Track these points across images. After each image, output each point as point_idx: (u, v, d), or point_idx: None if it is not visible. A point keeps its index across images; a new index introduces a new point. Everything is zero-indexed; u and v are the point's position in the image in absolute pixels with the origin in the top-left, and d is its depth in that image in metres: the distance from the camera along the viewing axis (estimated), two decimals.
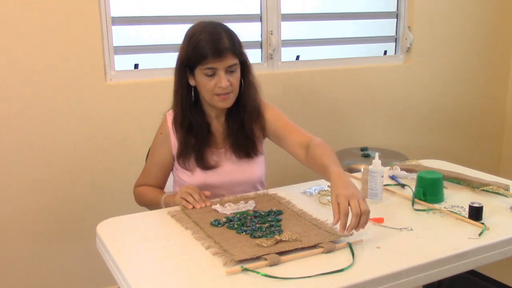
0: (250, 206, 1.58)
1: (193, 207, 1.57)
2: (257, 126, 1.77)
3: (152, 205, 1.75)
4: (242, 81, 1.70)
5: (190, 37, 1.63)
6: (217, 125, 1.76)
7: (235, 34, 1.66)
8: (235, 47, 1.62)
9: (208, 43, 1.59)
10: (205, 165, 1.72)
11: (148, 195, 1.78)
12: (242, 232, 1.39)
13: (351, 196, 1.31)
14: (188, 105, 1.70)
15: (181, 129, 1.72)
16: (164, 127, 1.77)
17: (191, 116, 1.71)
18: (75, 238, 2.44)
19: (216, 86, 1.61)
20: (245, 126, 1.73)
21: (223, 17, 2.63)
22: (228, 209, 1.55)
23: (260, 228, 1.41)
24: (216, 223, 1.45)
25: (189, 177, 1.73)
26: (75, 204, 2.43)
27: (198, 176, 1.72)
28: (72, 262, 2.47)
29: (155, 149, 1.80)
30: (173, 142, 1.75)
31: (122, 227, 1.50)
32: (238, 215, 1.51)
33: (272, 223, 1.45)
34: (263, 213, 1.52)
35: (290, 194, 1.69)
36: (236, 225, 1.43)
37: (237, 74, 1.65)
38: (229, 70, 1.62)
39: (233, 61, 1.62)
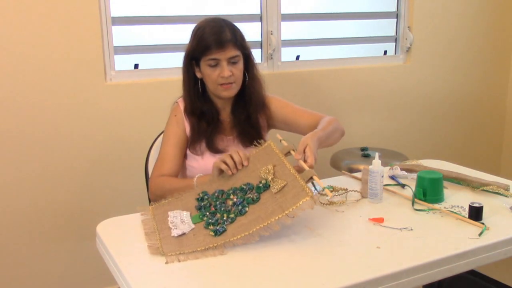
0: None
1: (229, 170, 1.54)
2: (263, 117, 1.86)
3: (178, 190, 1.65)
4: (247, 74, 1.79)
5: (196, 31, 1.74)
6: (225, 116, 1.84)
7: (238, 29, 1.75)
8: (237, 40, 1.71)
9: (211, 35, 1.68)
10: (215, 149, 1.78)
11: (174, 180, 1.72)
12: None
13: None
14: (196, 96, 1.79)
15: (192, 115, 1.80)
16: (178, 111, 1.82)
17: (200, 105, 1.79)
18: (75, 238, 2.45)
19: (219, 76, 1.70)
20: (251, 117, 1.82)
21: (223, 17, 2.63)
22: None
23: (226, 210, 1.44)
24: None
25: (198, 162, 1.78)
26: (75, 204, 2.43)
27: (207, 160, 1.76)
28: (72, 262, 2.47)
29: (171, 130, 1.81)
30: (186, 125, 1.81)
31: (122, 227, 1.50)
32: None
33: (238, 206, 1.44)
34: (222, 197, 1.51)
35: None
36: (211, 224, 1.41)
37: (240, 65, 1.74)
38: (231, 61, 1.70)
39: (234, 52, 1.70)
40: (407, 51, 3.19)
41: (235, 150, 1.57)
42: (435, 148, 3.37)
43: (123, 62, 2.49)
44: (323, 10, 2.99)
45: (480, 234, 1.37)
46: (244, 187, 1.49)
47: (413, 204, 1.59)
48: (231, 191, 1.51)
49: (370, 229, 1.43)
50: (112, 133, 2.45)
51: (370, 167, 1.61)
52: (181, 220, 1.47)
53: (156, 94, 2.49)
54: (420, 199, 1.61)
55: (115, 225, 1.52)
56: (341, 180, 1.84)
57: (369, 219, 1.48)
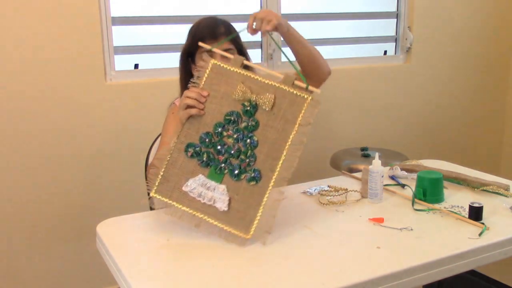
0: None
1: (198, 108, 1.45)
2: None
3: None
4: None
5: (191, 28, 1.79)
6: None
7: (232, 26, 1.78)
8: (231, 33, 1.73)
9: (205, 29, 1.74)
10: None
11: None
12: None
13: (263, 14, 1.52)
14: None
15: None
16: (176, 110, 1.82)
17: None
18: (75, 238, 2.45)
19: None
20: None
21: (223, 17, 2.63)
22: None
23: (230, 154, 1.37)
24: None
25: None
26: (75, 204, 2.43)
27: None
28: (72, 262, 2.47)
29: (169, 126, 1.81)
30: None
31: (122, 227, 1.50)
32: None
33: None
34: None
35: (290, 194, 1.69)
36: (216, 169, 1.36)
37: None
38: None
39: (228, 45, 1.72)
40: (407, 51, 3.19)
41: (184, 92, 1.47)
42: (435, 148, 3.37)
43: (123, 62, 2.49)
44: (323, 10, 3.00)
45: (480, 234, 1.37)
46: (230, 118, 1.38)
47: (413, 204, 1.59)
48: (219, 128, 1.38)
49: (370, 229, 1.43)
50: (112, 133, 2.45)
51: (370, 167, 1.61)
52: (206, 187, 1.37)
53: (156, 94, 2.49)
54: (420, 199, 1.61)
55: (115, 225, 1.52)
56: (341, 180, 1.84)
57: (369, 219, 1.48)
